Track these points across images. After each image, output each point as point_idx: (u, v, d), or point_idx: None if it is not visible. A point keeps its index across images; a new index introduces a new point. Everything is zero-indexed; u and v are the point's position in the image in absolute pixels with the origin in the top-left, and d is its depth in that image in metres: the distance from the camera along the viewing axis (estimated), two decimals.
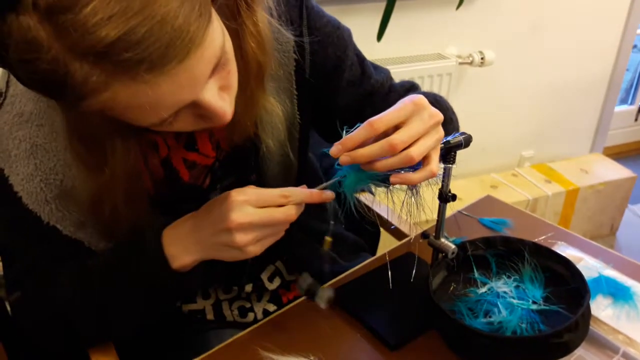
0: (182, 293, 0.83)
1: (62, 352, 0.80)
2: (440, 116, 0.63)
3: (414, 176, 0.62)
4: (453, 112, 0.87)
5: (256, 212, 0.63)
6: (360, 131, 0.60)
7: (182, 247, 0.67)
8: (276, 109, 0.74)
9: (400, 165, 0.60)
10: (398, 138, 0.59)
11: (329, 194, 0.66)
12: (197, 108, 0.55)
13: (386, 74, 0.89)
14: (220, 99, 0.56)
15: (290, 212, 0.65)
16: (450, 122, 0.82)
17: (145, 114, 0.51)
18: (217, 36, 0.52)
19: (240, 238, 0.63)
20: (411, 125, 0.60)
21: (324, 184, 0.67)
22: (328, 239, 0.68)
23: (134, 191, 0.66)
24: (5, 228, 0.73)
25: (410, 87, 0.89)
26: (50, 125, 0.65)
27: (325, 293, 0.74)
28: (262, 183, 0.81)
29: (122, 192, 0.64)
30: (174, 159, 0.75)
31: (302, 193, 0.65)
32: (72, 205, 0.69)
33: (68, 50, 0.45)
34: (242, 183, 0.79)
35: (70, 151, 0.63)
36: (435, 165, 0.63)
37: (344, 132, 0.62)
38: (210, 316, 0.90)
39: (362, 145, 0.61)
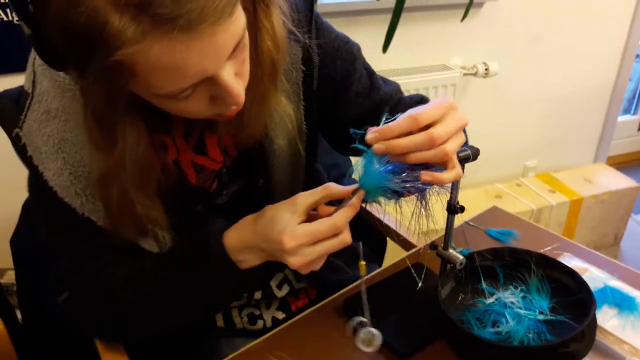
0: (247, 289, 0.87)
1: (110, 342, 0.83)
2: (466, 120, 0.65)
3: (444, 176, 0.63)
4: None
5: (314, 250, 0.65)
6: (402, 123, 0.61)
7: (251, 253, 0.69)
8: (287, 109, 0.76)
9: (433, 159, 0.61)
10: (438, 132, 0.60)
11: (363, 192, 0.67)
12: (214, 86, 0.58)
13: (395, 87, 0.91)
14: (235, 82, 0.59)
15: (346, 241, 0.66)
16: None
17: (169, 78, 0.53)
18: (241, 17, 0.55)
19: (304, 270, 0.67)
20: (448, 123, 0.62)
21: (347, 200, 0.67)
22: (362, 263, 0.69)
23: (143, 180, 0.67)
24: (47, 227, 0.76)
25: (420, 100, 0.90)
26: (76, 119, 0.67)
27: (367, 336, 0.72)
28: (269, 189, 0.83)
29: (131, 177, 0.65)
30: (182, 162, 0.77)
31: (347, 213, 0.66)
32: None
33: (110, 1, 0.47)
34: (249, 189, 0.82)
35: (84, 128, 0.64)
36: (459, 167, 0.65)
37: (383, 120, 0.63)
38: (220, 323, 0.91)
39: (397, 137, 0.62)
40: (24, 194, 0.85)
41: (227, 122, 0.72)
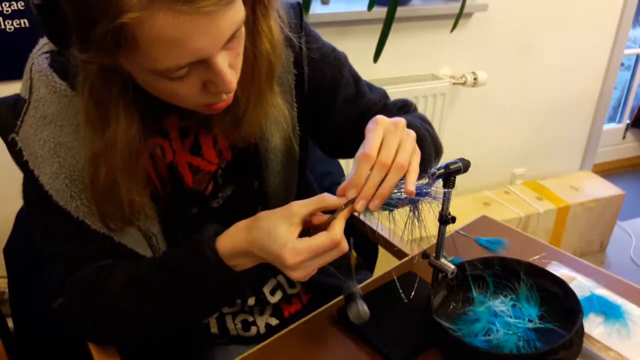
0: (243, 291, 0.88)
1: (104, 345, 0.84)
2: (402, 121, 0.69)
3: (409, 183, 0.67)
4: (432, 130, 0.92)
5: (315, 263, 0.67)
6: (362, 167, 0.66)
7: (246, 258, 0.70)
8: (283, 109, 0.79)
9: (398, 177, 0.66)
10: (385, 156, 0.66)
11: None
12: (208, 71, 0.60)
13: (381, 93, 0.94)
14: (229, 70, 0.62)
15: (344, 250, 0.67)
16: (424, 138, 0.86)
17: (168, 52, 0.56)
18: (241, 9, 0.59)
19: (304, 280, 0.68)
20: (387, 141, 0.67)
21: (340, 210, 0.68)
22: (353, 254, 0.71)
23: (132, 164, 0.68)
24: (42, 232, 0.77)
25: (402, 105, 0.94)
26: (71, 124, 0.69)
27: (356, 309, 0.74)
28: (264, 191, 0.86)
29: (120, 159, 0.66)
30: (179, 163, 0.79)
31: (342, 224, 0.68)
32: None
33: None
34: (244, 192, 0.84)
35: (80, 106, 0.66)
36: (417, 167, 0.69)
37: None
38: (214, 329, 0.92)
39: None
40: (18, 203, 0.86)
41: (222, 120, 0.74)
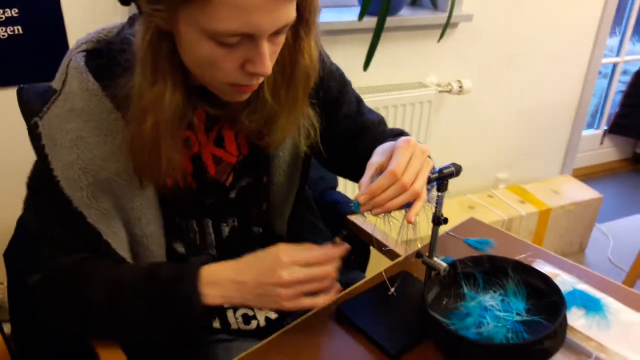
0: (200, 324, 0.89)
1: (71, 337, 0.87)
2: (428, 150, 0.75)
3: (414, 210, 0.74)
4: None
5: (301, 270, 0.75)
6: (384, 181, 0.71)
7: (220, 290, 0.76)
8: (312, 118, 0.86)
9: (409, 200, 0.72)
10: (407, 178, 0.71)
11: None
12: (252, 50, 0.66)
13: (379, 118, 1.01)
14: (269, 55, 0.68)
15: (328, 271, 0.76)
16: None
17: (232, 16, 0.61)
18: (294, 13, 0.67)
19: (285, 292, 0.74)
20: (413, 165, 0.72)
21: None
22: (337, 239, 0.78)
23: (174, 123, 0.73)
24: (39, 214, 0.81)
25: (399, 133, 1.00)
26: (95, 121, 0.74)
27: None
28: (269, 185, 0.93)
29: (166, 115, 0.71)
30: (203, 154, 0.85)
31: (336, 252, 0.78)
32: (101, 196, 0.77)
33: None
34: (256, 184, 0.91)
35: (140, 63, 0.69)
36: (425, 194, 0.75)
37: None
38: (216, 324, 0.96)
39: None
40: (19, 209, 0.88)
41: (249, 118, 0.80)
